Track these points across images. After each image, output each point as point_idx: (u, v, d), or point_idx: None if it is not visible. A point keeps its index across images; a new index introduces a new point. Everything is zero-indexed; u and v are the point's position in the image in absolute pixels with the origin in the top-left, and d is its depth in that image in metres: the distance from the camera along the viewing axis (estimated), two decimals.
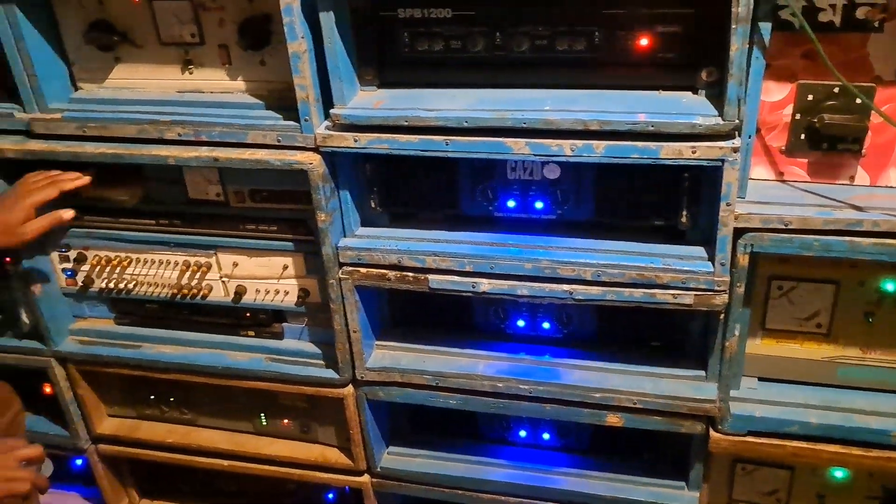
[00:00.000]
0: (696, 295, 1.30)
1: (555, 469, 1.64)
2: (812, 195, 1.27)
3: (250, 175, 1.46)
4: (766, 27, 1.13)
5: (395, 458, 1.71)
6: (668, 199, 1.31)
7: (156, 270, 1.61)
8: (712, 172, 1.23)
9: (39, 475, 1.40)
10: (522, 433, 1.69)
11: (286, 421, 1.75)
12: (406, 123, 1.28)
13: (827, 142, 1.25)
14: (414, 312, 1.63)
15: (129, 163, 1.44)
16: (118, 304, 1.71)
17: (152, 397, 1.81)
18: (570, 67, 1.27)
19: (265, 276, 1.57)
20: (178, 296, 1.62)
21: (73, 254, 1.64)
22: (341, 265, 1.45)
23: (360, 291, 1.47)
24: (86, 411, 1.81)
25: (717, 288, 1.29)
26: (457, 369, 1.52)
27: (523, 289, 1.37)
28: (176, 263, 1.60)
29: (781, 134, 1.28)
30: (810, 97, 1.23)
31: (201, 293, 1.61)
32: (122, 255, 1.62)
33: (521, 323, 1.56)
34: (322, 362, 1.59)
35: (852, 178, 1.29)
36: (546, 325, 1.54)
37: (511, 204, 1.41)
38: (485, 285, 1.38)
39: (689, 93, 1.24)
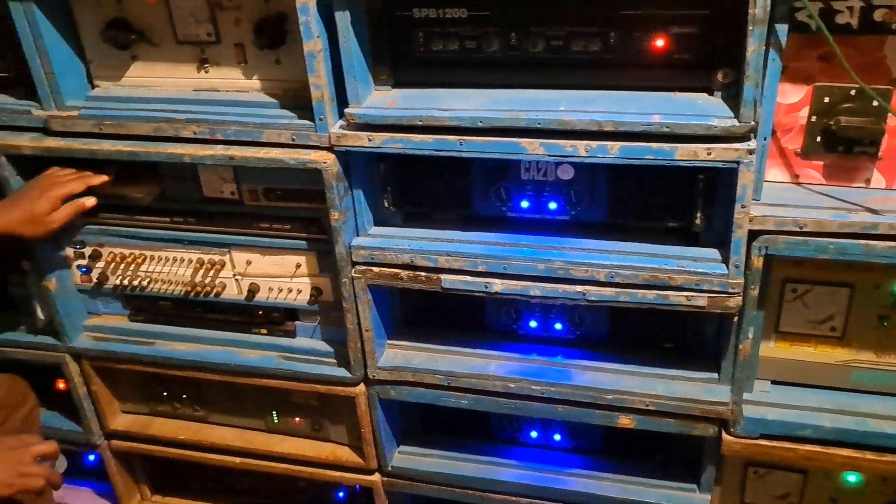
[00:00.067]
0: (709, 297, 1.29)
1: (566, 470, 1.64)
2: (827, 198, 1.27)
3: (265, 173, 1.47)
4: (782, 29, 1.13)
5: (407, 457, 1.71)
6: (681, 201, 1.31)
7: (170, 268, 1.62)
8: (727, 174, 1.22)
9: (54, 471, 1.41)
10: (534, 434, 1.69)
11: (298, 419, 1.75)
12: (420, 123, 1.28)
13: (843, 144, 1.25)
14: (426, 312, 1.63)
15: (144, 161, 1.45)
16: (132, 301, 1.72)
17: (165, 394, 1.82)
18: (585, 68, 1.27)
19: (278, 274, 1.57)
20: (192, 293, 1.63)
21: (88, 251, 1.65)
22: (354, 264, 1.45)
23: (372, 290, 1.47)
24: (99, 407, 1.82)
25: (730, 290, 1.28)
26: (469, 369, 1.52)
27: (536, 289, 1.36)
28: (190, 261, 1.61)
29: (797, 136, 1.27)
30: (826, 99, 1.23)
31: (215, 291, 1.61)
32: (137, 252, 1.63)
33: (533, 323, 1.56)
34: (334, 361, 1.59)
35: (868, 181, 1.28)
36: (558, 326, 1.54)
37: (524, 204, 1.41)
38: (497, 286, 1.38)
39: (705, 94, 1.23)
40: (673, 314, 1.36)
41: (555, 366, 1.51)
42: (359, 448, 1.69)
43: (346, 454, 1.72)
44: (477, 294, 1.41)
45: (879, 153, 1.24)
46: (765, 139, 1.21)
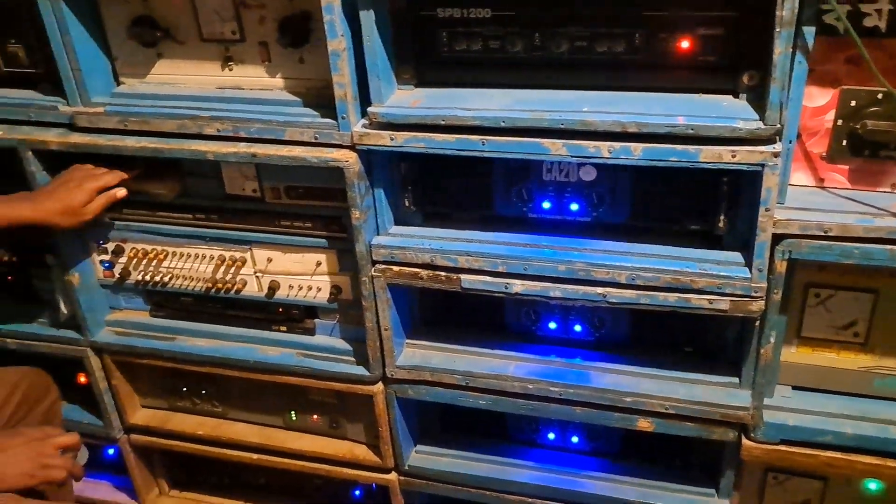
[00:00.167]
0: (731, 301, 1.28)
1: (583, 472, 1.63)
2: (853, 202, 1.25)
3: (287, 171, 1.47)
4: (809, 31, 1.12)
5: (424, 456, 1.71)
6: (704, 204, 1.30)
7: (191, 264, 1.63)
8: (751, 177, 1.21)
9: (75, 463, 1.42)
10: (551, 435, 1.69)
11: (316, 416, 1.76)
12: (443, 123, 1.28)
13: (869, 148, 1.23)
14: (445, 312, 1.64)
15: (168, 157, 1.46)
16: (154, 297, 1.73)
17: (185, 389, 1.83)
18: (608, 69, 1.26)
19: (299, 272, 1.58)
20: (213, 290, 1.64)
21: (111, 246, 1.67)
22: (374, 263, 1.46)
23: (392, 289, 1.47)
24: (119, 401, 1.83)
25: (753, 294, 1.27)
26: (487, 370, 1.52)
27: (556, 291, 1.36)
28: (211, 257, 1.62)
29: (822, 140, 1.26)
30: (853, 103, 1.21)
31: (235, 287, 1.62)
32: (159, 248, 1.64)
33: (552, 325, 1.55)
34: (353, 359, 1.60)
35: (894, 185, 1.27)
36: (578, 328, 1.54)
37: (546, 205, 1.40)
38: (517, 286, 1.38)
39: (730, 96, 1.22)
40: (694, 317, 1.35)
41: (574, 367, 1.50)
42: (376, 447, 1.70)
43: (363, 452, 1.72)
44: (497, 294, 1.41)
45: None
46: (790, 142, 1.20)
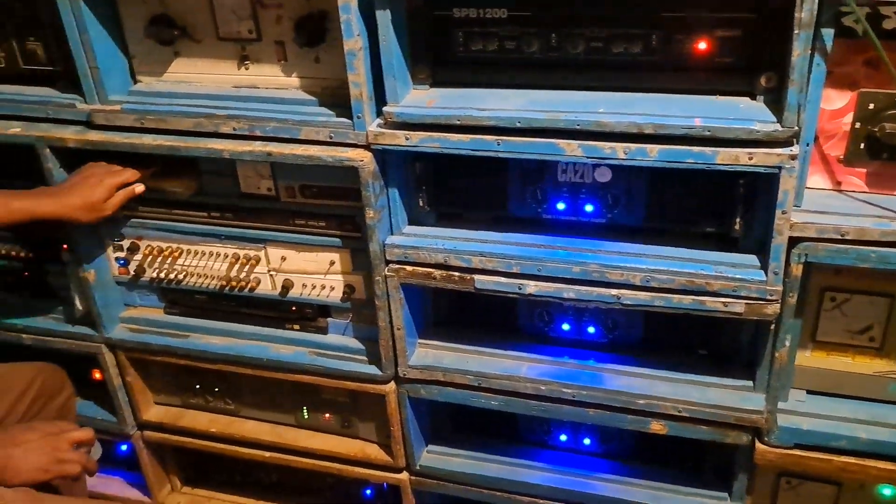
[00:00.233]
0: (747, 304, 1.28)
1: (595, 474, 1.63)
2: (870, 206, 1.25)
3: (301, 170, 1.48)
4: (828, 33, 1.11)
5: (435, 456, 1.71)
6: (720, 206, 1.30)
7: (206, 262, 1.64)
8: (768, 180, 1.21)
9: (90, 458, 1.43)
10: (563, 437, 1.68)
11: (328, 415, 1.76)
12: (458, 123, 1.28)
13: (887, 152, 1.22)
14: (458, 312, 1.64)
15: (184, 155, 1.46)
16: (168, 294, 1.74)
17: (198, 387, 1.84)
18: (625, 70, 1.26)
19: (312, 270, 1.58)
20: (227, 288, 1.64)
21: (126, 243, 1.68)
22: (388, 262, 1.46)
23: (405, 289, 1.48)
24: (133, 398, 1.84)
25: (769, 297, 1.27)
26: (499, 370, 1.52)
27: (570, 292, 1.36)
28: (226, 256, 1.62)
29: (840, 143, 1.25)
30: (871, 106, 1.20)
31: (249, 286, 1.63)
32: (174, 245, 1.65)
33: (565, 326, 1.55)
34: (365, 358, 1.60)
35: None
36: (591, 330, 1.53)
37: (560, 206, 1.40)
38: (531, 287, 1.38)
39: (747, 98, 1.22)
40: (708, 320, 1.35)
41: (587, 369, 1.50)
42: (387, 446, 1.70)
43: (374, 452, 1.73)
44: (510, 295, 1.40)
45: None
46: (807, 145, 1.20)
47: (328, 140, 1.38)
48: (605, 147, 1.22)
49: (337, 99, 1.38)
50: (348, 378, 1.61)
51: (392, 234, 1.47)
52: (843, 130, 1.24)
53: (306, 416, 1.78)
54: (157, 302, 1.76)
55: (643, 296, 1.32)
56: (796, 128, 1.14)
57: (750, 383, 1.41)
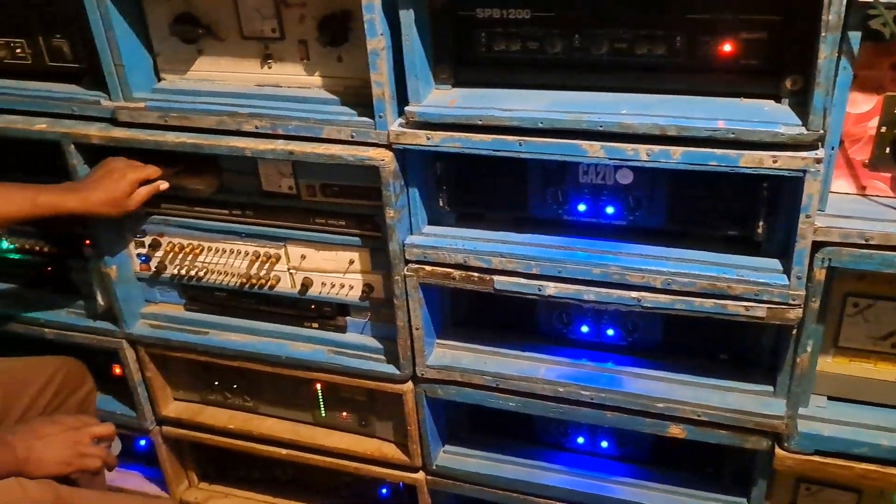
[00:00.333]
0: (769, 308, 1.27)
1: (612, 478, 1.62)
2: (895, 211, 1.23)
3: (323, 169, 1.48)
4: (855, 36, 1.10)
5: (451, 456, 1.71)
6: (743, 209, 1.29)
7: (226, 259, 1.65)
8: (792, 183, 1.20)
9: (110, 453, 1.45)
10: (580, 440, 1.68)
11: (345, 414, 1.77)
12: (480, 123, 1.28)
13: None
14: (476, 312, 1.63)
15: (207, 153, 1.47)
16: (188, 291, 1.75)
17: (216, 383, 1.85)
18: (648, 71, 1.25)
19: (331, 269, 1.59)
20: (247, 285, 1.65)
21: (148, 239, 1.69)
22: (407, 262, 1.46)
23: (424, 289, 1.48)
24: (152, 393, 1.86)
25: (791, 302, 1.26)
26: (517, 372, 1.51)
27: (590, 294, 1.35)
28: (246, 253, 1.63)
29: (865, 147, 1.24)
30: None
31: (269, 284, 1.64)
32: (195, 242, 1.66)
33: (584, 328, 1.54)
34: (383, 357, 1.60)
35: None
36: (610, 332, 1.53)
37: (581, 208, 1.40)
38: (551, 289, 1.38)
39: (772, 101, 1.21)
40: (729, 324, 1.34)
41: (605, 372, 1.49)
42: (404, 445, 1.70)
43: (391, 451, 1.73)
44: (530, 296, 1.40)
45: None
46: (832, 149, 1.19)
47: (350, 139, 1.38)
48: (628, 149, 1.21)
49: (359, 98, 1.38)
50: (366, 377, 1.62)
51: (412, 233, 1.47)
52: (869, 134, 1.23)
53: (324, 415, 1.79)
54: (178, 298, 1.78)
55: (664, 299, 1.32)
56: (822, 131, 1.13)
57: (770, 388, 1.40)
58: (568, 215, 1.41)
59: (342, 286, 1.59)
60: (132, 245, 1.71)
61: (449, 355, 1.57)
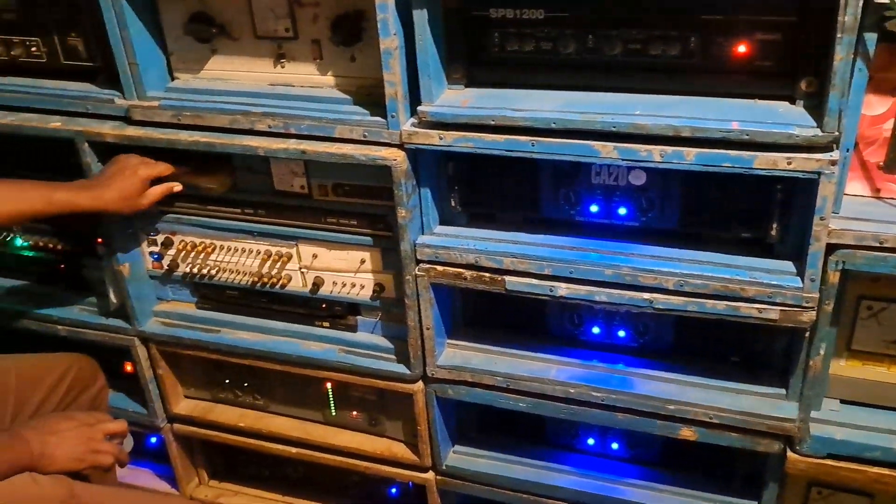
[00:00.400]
0: (782, 310, 1.26)
1: (622, 479, 1.62)
2: None
3: (335, 169, 1.48)
4: (871, 38, 1.09)
5: (461, 456, 1.71)
6: (757, 211, 1.28)
7: (238, 258, 1.66)
8: (806, 185, 1.19)
9: (122, 450, 1.45)
10: (591, 441, 1.68)
11: (355, 413, 1.77)
12: (493, 123, 1.28)
13: None
14: (487, 313, 1.63)
15: (220, 152, 1.48)
16: (200, 289, 1.76)
17: (227, 381, 1.85)
18: (662, 72, 1.25)
19: (343, 269, 1.59)
20: (258, 284, 1.66)
21: (160, 238, 1.70)
22: (418, 262, 1.46)
23: (435, 289, 1.48)
24: (164, 391, 1.86)
25: (804, 304, 1.25)
26: (528, 372, 1.51)
27: (602, 295, 1.35)
28: (258, 252, 1.64)
29: (880, 149, 1.23)
30: None
31: (280, 282, 1.64)
32: (207, 241, 1.67)
33: (596, 330, 1.54)
34: (394, 357, 1.61)
35: None
36: (622, 334, 1.52)
37: (594, 209, 1.39)
38: (563, 289, 1.37)
39: (787, 102, 1.20)
40: (741, 326, 1.33)
41: (617, 373, 1.49)
42: (414, 445, 1.70)
43: (401, 450, 1.73)
44: (541, 297, 1.40)
45: None
46: (847, 151, 1.18)
47: (362, 139, 1.38)
48: (642, 150, 1.21)
49: (371, 98, 1.39)
50: (377, 376, 1.62)
51: (423, 233, 1.47)
52: (884, 136, 1.22)
53: (334, 414, 1.79)
54: (190, 296, 1.78)
55: (676, 300, 1.31)
56: (836, 133, 1.12)
57: (783, 391, 1.40)
58: (580, 216, 1.41)
59: (353, 285, 1.60)
60: (145, 243, 1.72)
61: (459, 355, 1.57)
